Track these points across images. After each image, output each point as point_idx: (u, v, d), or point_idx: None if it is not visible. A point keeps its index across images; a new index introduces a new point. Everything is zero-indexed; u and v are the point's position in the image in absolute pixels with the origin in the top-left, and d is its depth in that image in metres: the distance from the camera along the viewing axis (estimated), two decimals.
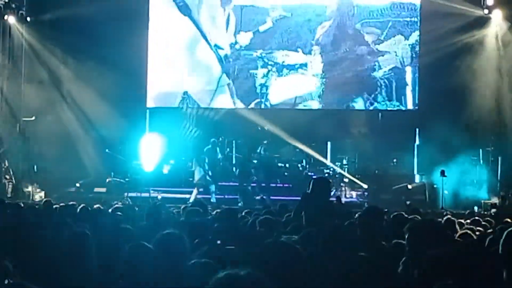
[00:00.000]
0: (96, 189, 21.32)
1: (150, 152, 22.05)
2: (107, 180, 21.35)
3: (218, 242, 7.50)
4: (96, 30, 21.83)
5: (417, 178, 21.18)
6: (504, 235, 5.04)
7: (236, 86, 22.88)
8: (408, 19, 22.04)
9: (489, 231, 7.56)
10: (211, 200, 19.20)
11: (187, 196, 19.41)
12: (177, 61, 23.12)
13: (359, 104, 22.49)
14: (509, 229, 5.13)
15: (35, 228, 7.24)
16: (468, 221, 10.79)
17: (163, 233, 5.96)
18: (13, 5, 22.00)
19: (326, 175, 20.25)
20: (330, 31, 22.31)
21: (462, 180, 19.71)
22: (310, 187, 9.37)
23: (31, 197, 20.26)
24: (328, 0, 22.49)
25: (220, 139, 21.11)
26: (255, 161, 21.06)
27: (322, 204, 8.98)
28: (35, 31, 22.60)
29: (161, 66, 23.24)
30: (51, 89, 22.76)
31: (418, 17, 21.91)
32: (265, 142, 21.27)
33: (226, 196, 19.88)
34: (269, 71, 22.74)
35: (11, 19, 22.07)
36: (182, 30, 23.03)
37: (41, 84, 22.54)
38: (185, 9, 22.92)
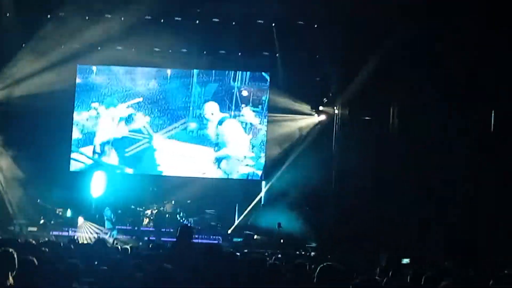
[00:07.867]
0: (29, 228, 22.62)
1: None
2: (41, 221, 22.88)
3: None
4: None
5: None
6: (318, 269, 6.14)
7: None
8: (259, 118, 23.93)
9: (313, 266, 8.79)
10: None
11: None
12: None
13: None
14: (321, 265, 6.19)
15: None
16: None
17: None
18: None
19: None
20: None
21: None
22: (178, 232, 9.76)
23: None
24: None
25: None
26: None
27: (185, 243, 9.58)
28: None
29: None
30: None
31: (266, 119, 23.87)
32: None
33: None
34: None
35: None
36: None
37: None
38: None
